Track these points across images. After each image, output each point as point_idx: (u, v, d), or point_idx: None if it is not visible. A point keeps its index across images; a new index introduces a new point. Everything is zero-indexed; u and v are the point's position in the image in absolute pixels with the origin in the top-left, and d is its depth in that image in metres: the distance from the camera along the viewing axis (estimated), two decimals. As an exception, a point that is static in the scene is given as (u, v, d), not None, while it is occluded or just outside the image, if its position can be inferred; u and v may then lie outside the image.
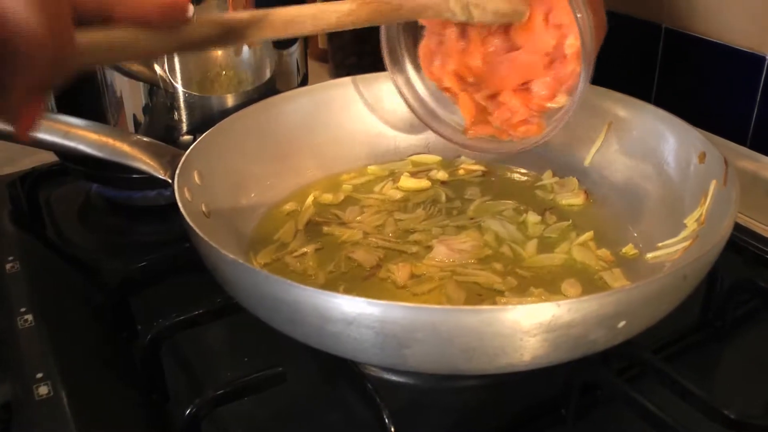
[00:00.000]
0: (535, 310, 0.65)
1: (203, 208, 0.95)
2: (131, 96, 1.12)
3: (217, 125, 1.04)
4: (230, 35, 0.76)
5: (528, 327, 0.65)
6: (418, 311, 0.69)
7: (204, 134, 1.02)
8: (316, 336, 0.76)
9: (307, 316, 0.73)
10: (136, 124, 1.14)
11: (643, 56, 1.30)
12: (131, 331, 0.94)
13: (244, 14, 0.78)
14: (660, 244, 0.95)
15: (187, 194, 0.90)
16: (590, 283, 0.92)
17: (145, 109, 1.13)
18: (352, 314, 0.69)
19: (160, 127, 1.14)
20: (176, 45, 0.71)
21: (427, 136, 1.19)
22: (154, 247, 1.00)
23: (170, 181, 0.90)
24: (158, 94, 1.12)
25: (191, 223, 0.83)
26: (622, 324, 0.71)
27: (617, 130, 1.11)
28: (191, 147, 0.96)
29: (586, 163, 1.14)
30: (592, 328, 0.69)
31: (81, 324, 0.96)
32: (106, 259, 1.08)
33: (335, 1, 0.84)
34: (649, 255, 0.95)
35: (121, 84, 1.16)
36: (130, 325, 0.94)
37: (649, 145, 1.06)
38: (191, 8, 0.67)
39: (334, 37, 1.70)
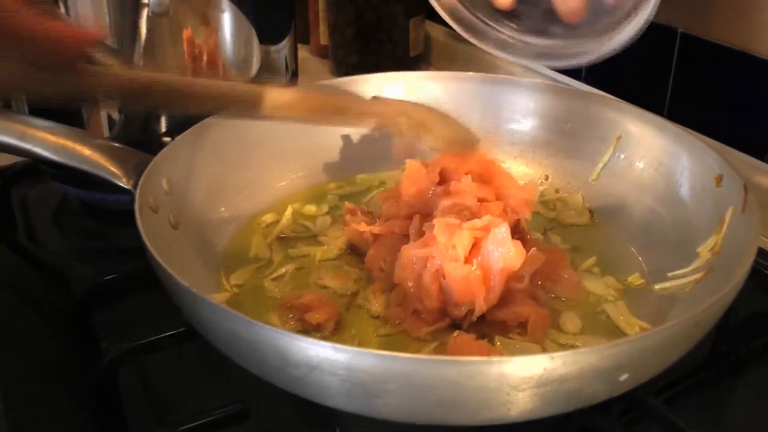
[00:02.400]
0: (524, 363, 0.58)
1: (171, 219, 0.88)
2: (105, 94, 1.02)
3: (191, 128, 0.96)
4: (135, 95, 0.68)
5: (516, 381, 0.59)
6: (389, 360, 0.60)
7: (176, 138, 0.95)
8: (277, 377, 0.68)
9: (268, 357, 0.65)
10: (111, 124, 1.08)
11: (656, 62, 1.22)
12: (95, 349, 0.86)
13: (158, 75, 0.73)
14: (670, 274, 0.88)
15: (151, 204, 0.84)
16: (592, 318, 0.85)
17: (121, 109, 1.06)
18: (316, 359, 0.61)
19: (135, 129, 1.08)
20: (70, 91, 0.64)
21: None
22: (131, 254, 0.88)
23: (132, 190, 0.83)
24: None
25: (147, 242, 0.75)
26: (624, 377, 0.64)
27: (627, 144, 1.04)
28: (160, 152, 0.89)
29: (592, 178, 1.07)
30: (590, 382, 0.64)
31: (36, 338, 0.89)
32: (77, 267, 1.00)
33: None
34: (657, 286, 0.88)
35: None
36: (93, 343, 0.87)
37: (660, 163, 0.99)
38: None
39: (335, 33, 1.62)
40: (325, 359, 0.61)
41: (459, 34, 0.99)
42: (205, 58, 1.12)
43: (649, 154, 1.01)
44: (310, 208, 1.06)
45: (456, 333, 0.79)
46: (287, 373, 0.65)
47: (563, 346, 0.80)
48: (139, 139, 0.97)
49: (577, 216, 1.03)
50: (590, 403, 0.66)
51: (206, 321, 0.70)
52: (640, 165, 1.02)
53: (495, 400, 0.62)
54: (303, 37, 1.67)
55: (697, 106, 1.22)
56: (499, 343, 0.81)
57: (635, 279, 0.91)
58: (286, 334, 0.62)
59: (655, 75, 1.27)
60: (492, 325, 0.81)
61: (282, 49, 1.23)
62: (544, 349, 0.79)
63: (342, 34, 1.64)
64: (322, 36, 1.74)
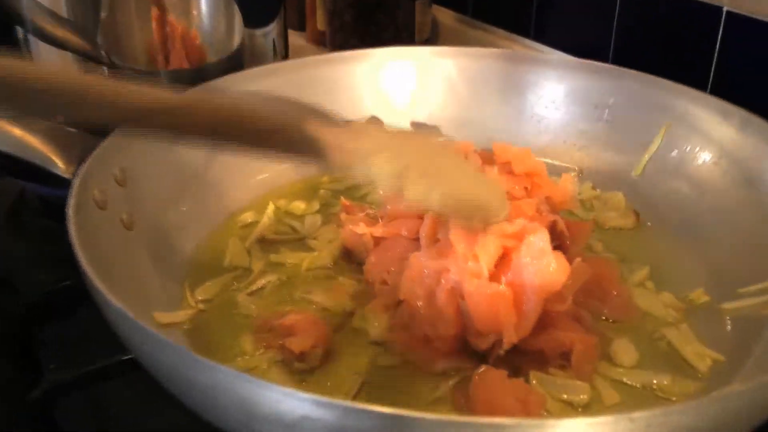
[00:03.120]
0: (591, 426, 0.38)
1: (123, 218, 0.75)
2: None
3: None
4: None
5: None
6: (397, 422, 0.41)
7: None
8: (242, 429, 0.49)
9: (227, 408, 0.47)
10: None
11: (699, 42, 1.09)
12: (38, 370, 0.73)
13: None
14: (742, 290, 0.75)
15: (97, 198, 0.72)
16: (649, 346, 0.71)
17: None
18: (291, 417, 0.42)
19: None
20: None
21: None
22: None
23: (71, 179, 0.71)
24: (94, 69, 0.96)
25: (76, 246, 0.61)
26: None
27: (680, 133, 0.91)
28: (111, 135, 0.76)
29: (636, 173, 0.94)
30: None
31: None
32: (29, 272, 0.89)
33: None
34: (727, 305, 0.75)
35: (47, 53, 0.97)
36: (38, 362, 0.75)
37: (725, 155, 0.86)
38: None
39: (334, 17, 1.48)
40: (304, 418, 0.42)
41: (469, 18, 0.83)
42: (176, 39, 0.99)
43: (710, 145, 0.88)
44: (298, 206, 0.90)
45: (483, 368, 0.61)
46: (254, 429, 0.47)
47: (616, 383, 0.66)
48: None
49: (620, 218, 0.89)
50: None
51: (145, 354, 0.52)
52: (700, 158, 0.89)
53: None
54: (299, 23, 1.59)
55: (742, 88, 1.06)
56: (535, 381, 0.65)
57: (699, 296, 0.77)
58: (249, 379, 0.44)
59: (697, 56, 1.11)
60: (525, 356, 0.66)
61: (269, 33, 1.10)
62: (593, 387, 0.65)
63: (341, 18, 1.50)
64: (319, 21, 1.61)
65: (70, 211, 0.64)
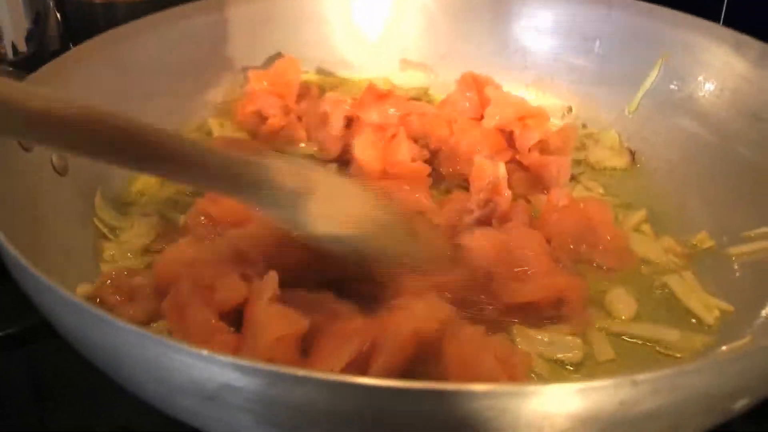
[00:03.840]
0: (586, 393, 0.35)
1: (54, 161, 0.69)
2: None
3: (93, 38, 0.79)
4: None
5: (568, 425, 0.35)
6: (342, 389, 0.32)
7: (70, 50, 0.77)
8: (162, 402, 0.41)
9: (142, 375, 0.38)
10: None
11: None
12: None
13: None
14: (747, 234, 0.70)
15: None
16: (648, 296, 0.66)
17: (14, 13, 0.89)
18: (212, 385, 0.33)
19: (36, 39, 0.91)
20: None
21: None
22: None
23: None
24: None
25: None
26: (741, 404, 0.42)
27: (680, 65, 0.85)
28: (39, 69, 0.71)
29: (630, 110, 0.88)
30: (689, 416, 0.39)
31: None
32: None
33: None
34: (734, 250, 0.70)
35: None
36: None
37: (728, 88, 0.80)
38: None
39: None
40: (225, 386, 0.34)
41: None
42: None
43: (715, 77, 0.82)
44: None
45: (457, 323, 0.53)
46: (173, 400, 0.38)
47: (612, 338, 0.61)
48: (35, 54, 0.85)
49: (614, 157, 0.84)
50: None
51: (50, 314, 0.44)
52: (702, 91, 0.83)
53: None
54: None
55: (759, 12, 1.00)
56: (519, 339, 0.58)
57: (702, 240, 0.72)
58: (157, 339, 0.35)
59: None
60: (509, 313, 0.60)
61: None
62: (586, 343, 0.60)
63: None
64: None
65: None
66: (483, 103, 0.83)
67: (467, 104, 0.83)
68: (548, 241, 0.67)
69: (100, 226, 0.71)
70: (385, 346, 0.49)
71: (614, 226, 0.71)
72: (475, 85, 0.85)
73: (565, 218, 0.68)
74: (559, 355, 0.58)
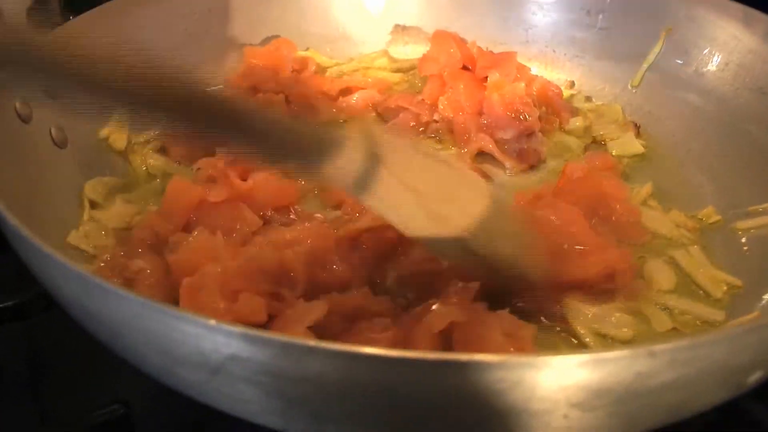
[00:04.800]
0: (602, 362, 0.34)
1: (52, 133, 0.68)
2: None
3: (93, 10, 0.78)
4: None
5: (581, 396, 0.34)
6: (353, 360, 0.32)
7: (68, 22, 0.76)
8: (166, 376, 0.40)
9: (146, 346, 0.37)
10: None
11: None
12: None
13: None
14: (754, 208, 0.70)
15: (18, 109, 0.64)
16: None
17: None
18: (218, 356, 0.33)
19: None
20: None
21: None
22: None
23: None
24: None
25: None
26: (755, 377, 0.41)
27: (683, 38, 0.85)
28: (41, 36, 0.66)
29: (633, 84, 0.88)
30: (704, 389, 0.39)
31: None
32: None
33: None
34: (741, 224, 0.69)
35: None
36: None
37: (737, 64, 0.79)
38: None
39: None
40: (232, 357, 0.33)
41: None
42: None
43: (718, 51, 0.82)
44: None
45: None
46: (177, 374, 0.38)
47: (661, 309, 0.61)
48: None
49: (618, 131, 0.84)
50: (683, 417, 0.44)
51: (57, 287, 0.44)
52: (706, 65, 0.83)
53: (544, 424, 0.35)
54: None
55: None
56: (571, 315, 0.58)
57: (708, 215, 0.72)
58: (163, 309, 0.34)
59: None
60: (562, 291, 0.60)
61: None
62: (643, 317, 0.60)
63: None
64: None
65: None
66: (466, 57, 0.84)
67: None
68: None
69: (85, 200, 0.69)
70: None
71: (627, 199, 0.70)
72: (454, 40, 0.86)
73: (579, 190, 0.67)
74: (612, 331, 0.58)
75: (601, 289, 0.59)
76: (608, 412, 0.36)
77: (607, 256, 0.60)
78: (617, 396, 0.36)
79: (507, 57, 0.85)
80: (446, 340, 0.50)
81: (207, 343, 0.34)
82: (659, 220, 0.70)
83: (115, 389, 0.59)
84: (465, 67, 0.85)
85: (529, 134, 0.78)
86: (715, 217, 0.71)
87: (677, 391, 0.37)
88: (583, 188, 0.67)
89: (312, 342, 0.32)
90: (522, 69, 0.86)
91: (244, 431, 0.52)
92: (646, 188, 0.74)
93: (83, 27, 0.77)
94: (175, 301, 0.55)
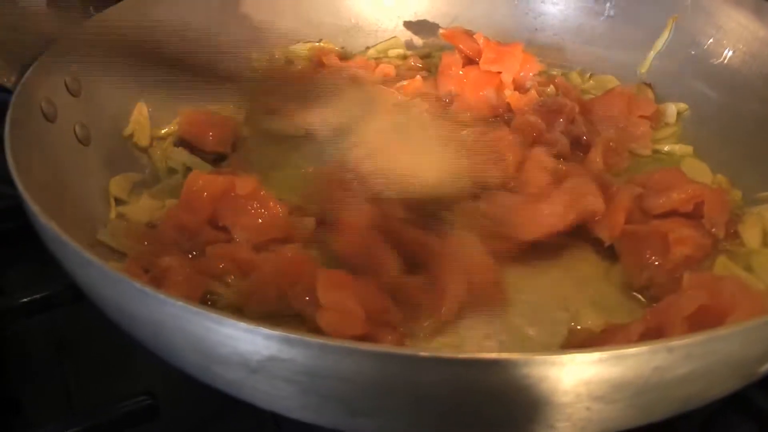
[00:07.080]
0: (623, 358, 0.35)
1: (76, 131, 0.69)
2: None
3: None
4: None
5: (603, 390, 0.36)
6: (382, 359, 0.33)
7: (98, 14, 0.76)
8: (202, 373, 0.42)
9: (184, 348, 0.39)
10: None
11: None
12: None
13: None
14: (764, 194, 0.71)
15: (44, 108, 0.65)
16: None
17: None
18: (258, 357, 0.35)
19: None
20: None
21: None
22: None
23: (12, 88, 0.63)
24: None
25: (12, 167, 0.52)
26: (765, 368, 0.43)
27: (691, 26, 0.86)
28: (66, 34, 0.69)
29: (642, 70, 0.89)
30: (716, 380, 0.41)
31: None
32: None
33: None
34: (749, 210, 0.70)
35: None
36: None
37: (745, 52, 0.81)
38: None
39: None
40: (272, 357, 0.35)
41: None
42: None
43: (726, 39, 0.83)
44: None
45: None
46: (215, 373, 0.40)
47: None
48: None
49: None
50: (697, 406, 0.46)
51: (86, 284, 0.45)
52: (714, 53, 0.84)
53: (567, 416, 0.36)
54: None
55: None
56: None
57: None
58: (200, 313, 0.36)
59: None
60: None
61: None
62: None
63: None
64: None
65: (8, 125, 0.58)
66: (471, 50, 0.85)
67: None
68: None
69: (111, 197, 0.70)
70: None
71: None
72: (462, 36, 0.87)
73: None
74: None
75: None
76: (627, 404, 0.38)
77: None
78: (636, 389, 0.37)
79: (512, 50, 0.84)
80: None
81: (247, 345, 0.36)
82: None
83: (141, 380, 0.60)
84: (471, 60, 0.84)
85: (571, 120, 0.79)
86: (725, 205, 0.72)
87: (693, 383, 0.39)
88: None
89: (348, 344, 0.34)
90: (528, 59, 0.85)
91: (266, 420, 0.55)
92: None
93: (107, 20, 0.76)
94: (203, 298, 0.58)
